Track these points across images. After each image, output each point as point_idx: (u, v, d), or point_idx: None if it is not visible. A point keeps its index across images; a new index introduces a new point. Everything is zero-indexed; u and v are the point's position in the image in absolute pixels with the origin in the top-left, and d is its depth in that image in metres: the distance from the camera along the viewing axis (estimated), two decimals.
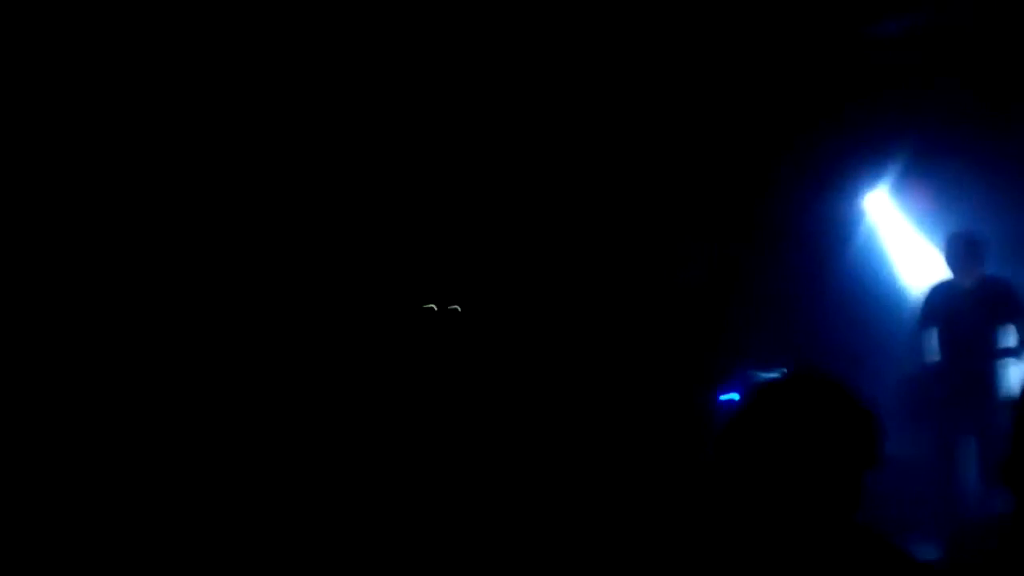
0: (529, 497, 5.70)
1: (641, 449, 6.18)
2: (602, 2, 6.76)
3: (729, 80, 7.20)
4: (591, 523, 5.31)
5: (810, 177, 7.60)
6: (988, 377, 6.55)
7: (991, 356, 6.59)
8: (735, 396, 6.71)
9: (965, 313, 6.63)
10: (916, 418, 6.66)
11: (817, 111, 7.37)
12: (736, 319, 7.50)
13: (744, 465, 2.11)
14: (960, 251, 6.68)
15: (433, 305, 6.94)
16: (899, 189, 7.74)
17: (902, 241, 7.92)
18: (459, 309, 7.01)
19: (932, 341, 6.81)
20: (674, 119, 7.36)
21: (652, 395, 6.77)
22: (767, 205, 7.59)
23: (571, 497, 5.70)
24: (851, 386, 2.19)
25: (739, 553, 2.10)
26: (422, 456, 5.99)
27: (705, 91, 7.25)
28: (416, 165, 7.05)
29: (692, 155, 7.47)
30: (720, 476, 2.13)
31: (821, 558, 2.06)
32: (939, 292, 6.83)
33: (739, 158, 7.51)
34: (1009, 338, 6.60)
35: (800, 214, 7.64)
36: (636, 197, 7.45)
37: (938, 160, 7.38)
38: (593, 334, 7.20)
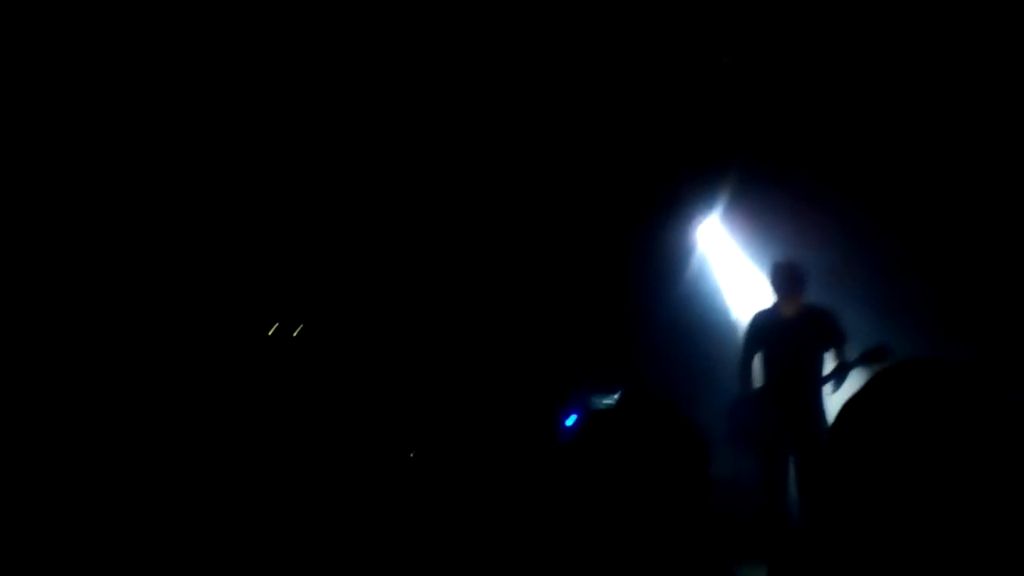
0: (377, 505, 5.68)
1: (483, 470, 6.19)
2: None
3: (563, 115, 7.29)
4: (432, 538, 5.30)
5: (646, 207, 7.76)
6: (810, 401, 6.68)
7: (813, 381, 6.73)
8: (573, 421, 6.78)
9: (787, 339, 6.78)
10: (742, 442, 6.81)
11: (652, 143, 7.53)
12: (575, 345, 7.59)
13: (581, 490, 2.14)
14: (782, 279, 6.83)
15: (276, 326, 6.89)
16: (728, 219, 8.00)
17: (731, 269, 8.17)
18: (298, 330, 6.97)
19: (756, 366, 7.00)
20: (512, 151, 7.42)
21: (495, 418, 6.81)
22: (604, 234, 7.71)
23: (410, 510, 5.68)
24: (682, 411, 2.23)
25: (576, 571, 2.12)
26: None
27: (539, 126, 7.33)
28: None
29: (529, 185, 7.54)
30: (560, 500, 2.15)
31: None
32: (762, 318, 7.00)
33: (576, 189, 7.61)
34: (829, 364, 6.78)
35: (636, 243, 7.79)
36: (472, 222, 7.50)
37: (765, 192, 7.65)
38: (431, 356, 7.21)
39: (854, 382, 6.51)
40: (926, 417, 1.37)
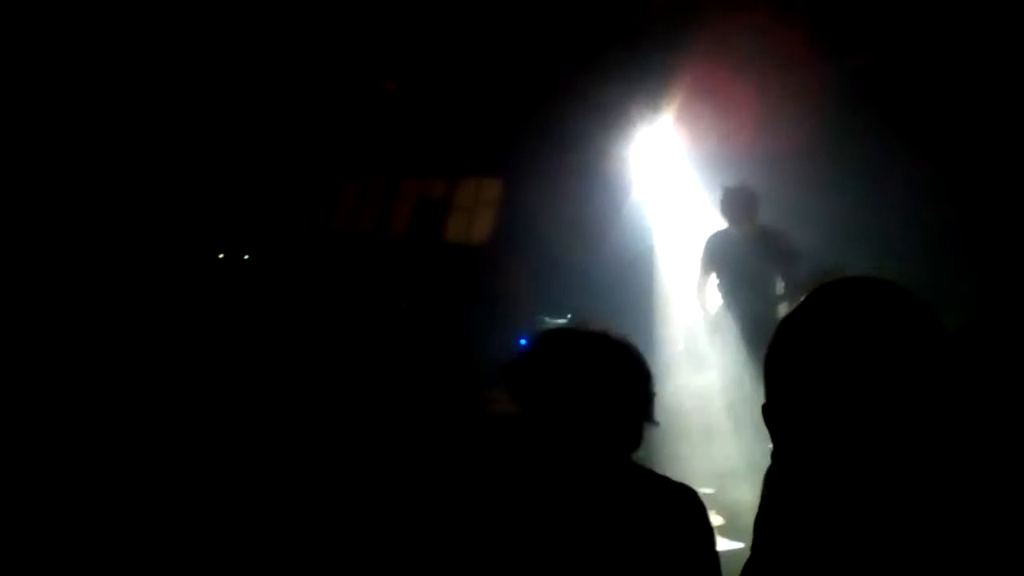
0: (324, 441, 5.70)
1: (434, 397, 6.23)
2: None
3: (492, 15, 7.16)
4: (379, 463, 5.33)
5: (589, 131, 7.66)
6: (765, 319, 6.68)
7: (768, 299, 6.88)
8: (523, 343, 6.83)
9: (742, 259, 6.90)
10: (697, 360, 6.93)
11: (589, 58, 7.39)
12: (527, 273, 7.62)
13: (530, 405, 2.22)
14: (735, 202, 6.93)
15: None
16: (671, 140, 7.91)
17: (680, 193, 8.15)
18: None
19: (712, 286, 7.12)
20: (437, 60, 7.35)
21: (446, 348, 6.85)
22: (548, 161, 7.64)
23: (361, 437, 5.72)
24: (628, 336, 2.32)
25: (521, 486, 2.20)
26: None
27: (464, 28, 7.22)
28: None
29: (461, 101, 7.49)
30: (510, 416, 2.23)
31: (595, 490, 2.18)
32: (716, 241, 7.10)
33: (517, 107, 7.54)
34: (782, 283, 6.92)
35: (581, 169, 7.75)
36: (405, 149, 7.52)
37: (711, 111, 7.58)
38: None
39: None
40: (856, 331, 1.42)
